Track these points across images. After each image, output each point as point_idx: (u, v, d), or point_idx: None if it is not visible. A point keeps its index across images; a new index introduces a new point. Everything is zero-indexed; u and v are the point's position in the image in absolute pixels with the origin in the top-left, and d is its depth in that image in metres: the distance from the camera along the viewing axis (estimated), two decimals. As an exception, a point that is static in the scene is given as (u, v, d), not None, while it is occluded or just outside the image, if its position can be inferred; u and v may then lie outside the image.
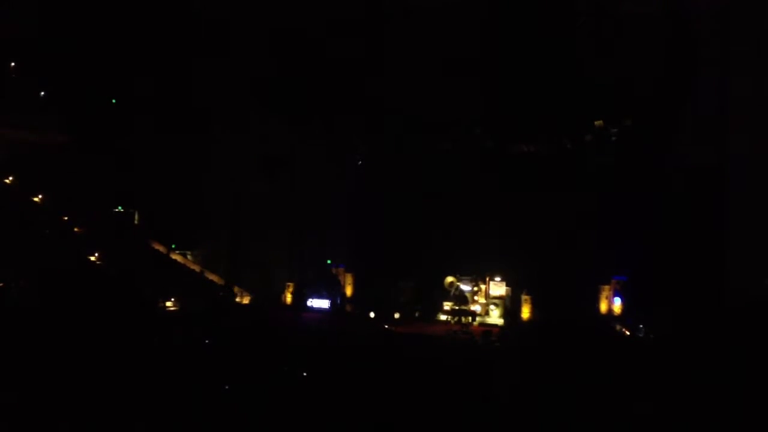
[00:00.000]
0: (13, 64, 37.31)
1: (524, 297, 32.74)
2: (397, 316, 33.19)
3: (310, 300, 35.58)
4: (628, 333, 28.11)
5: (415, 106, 34.17)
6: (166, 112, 36.73)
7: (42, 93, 37.47)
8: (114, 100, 37.90)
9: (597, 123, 33.74)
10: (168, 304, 32.10)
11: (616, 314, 31.27)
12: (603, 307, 31.89)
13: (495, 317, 33.39)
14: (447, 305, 33.59)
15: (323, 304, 35.33)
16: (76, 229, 35.14)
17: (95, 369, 21.05)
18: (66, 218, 35.36)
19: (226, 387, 20.86)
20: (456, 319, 31.81)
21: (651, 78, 31.76)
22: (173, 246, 37.10)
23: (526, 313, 32.55)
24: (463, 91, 32.58)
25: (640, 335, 28.21)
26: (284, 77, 35.52)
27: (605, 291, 31.92)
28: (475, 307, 33.51)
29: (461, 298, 33.37)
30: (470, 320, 32.49)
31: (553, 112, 32.37)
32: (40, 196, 35.94)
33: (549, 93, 31.75)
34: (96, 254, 33.42)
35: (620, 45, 31.91)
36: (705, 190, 30.94)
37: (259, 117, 36.08)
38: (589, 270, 31.62)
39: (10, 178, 36.06)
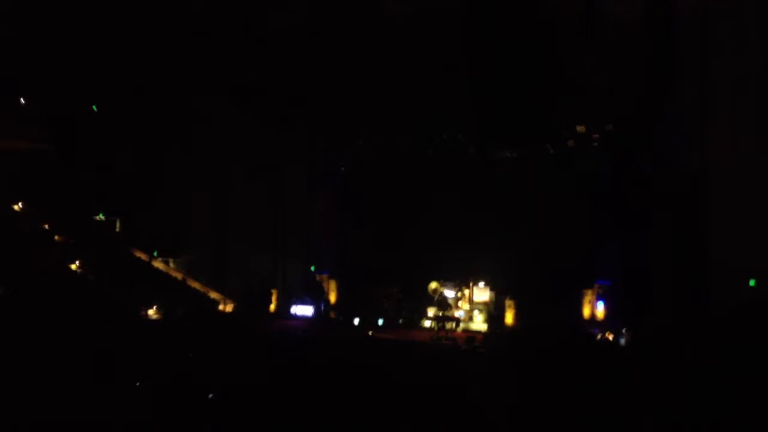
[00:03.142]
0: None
1: (508, 302, 32.73)
2: (380, 322, 33.07)
3: (293, 307, 35.44)
4: (611, 337, 28.11)
5: (397, 112, 34.17)
6: (147, 118, 36.52)
7: (21, 100, 37.15)
8: (95, 107, 37.62)
9: (579, 128, 33.84)
10: (150, 312, 31.86)
11: (599, 318, 31.32)
12: (586, 311, 31.96)
13: (479, 323, 33.33)
14: (431, 311, 33.48)
15: (307, 311, 35.20)
16: (56, 237, 34.83)
17: (74, 378, 20.85)
18: (46, 226, 35.05)
19: (210, 396, 20.71)
20: (440, 325, 31.69)
21: (633, 82, 31.88)
22: (155, 253, 36.84)
23: (509, 318, 32.51)
24: (445, 97, 32.63)
25: (623, 339, 28.18)
26: (266, 83, 35.41)
27: (588, 295, 32.00)
28: (459, 313, 33.43)
29: (445, 304, 33.26)
30: (454, 326, 32.38)
31: (535, 117, 32.43)
32: (20, 204, 35.61)
33: (530, 98, 31.79)
34: (77, 262, 33.12)
35: (602, 49, 32.01)
36: (688, 193, 31.11)
37: (241, 123, 35.91)
38: (573, 274, 31.66)
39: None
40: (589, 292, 32.28)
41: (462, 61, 32.01)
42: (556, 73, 31.49)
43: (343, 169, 37.93)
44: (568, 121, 33.42)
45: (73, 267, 33.16)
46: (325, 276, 36.61)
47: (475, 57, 31.91)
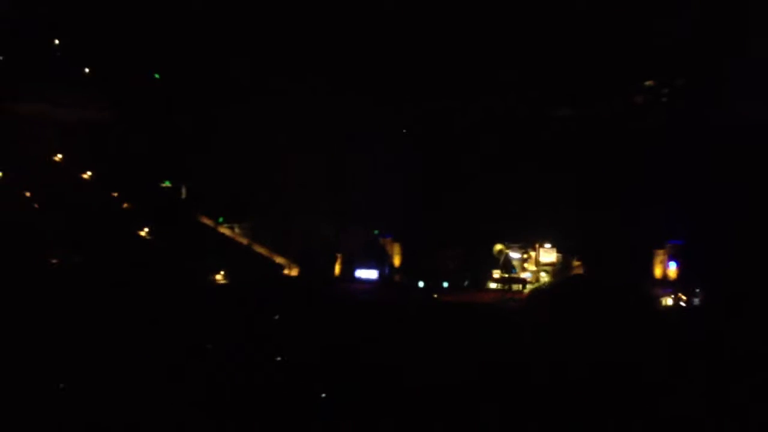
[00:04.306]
0: (58, 42, 37.57)
1: (575, 263, 32.23)
2: (445, 285, 32.93)
3: (357, 271, 35.49)
4: (684, 298, 27.50)
5: (463, 72, 33.73)
6: (211, 86, 36.79)
7: (87, 70, 37.69)
8: (158, 75, 37.98)
9: (647, 83, 32.90)
10: (217, 277, 32.33)
11: (671, 279, 30.56)
12: (657, 271, 31.19)
13: (546, 284, 32.93)
14: (496, 273, 33.22)
15: (371, 274, 35.23)
16: (125, 205, 35.47)
17: (149, 339, 21.32)
18: (115, 194, 35.70)
19: (279, 359, 20.98)
20: (506, 287, 31.46)
21: (704, 33, 30.76)
22: (221, 219, 37.21)
23: (577, 279, 32.00)
24: (513, 56, 32.03)
25: (696, 300, 27.56)
26: (330, 50, 35.33)
27: (660, 255, 31.21)
28: (525, 275, 33.10)
29: (510, 266, 32.99)
30: (520, 288, 32.09)
31: (603, 73, 31.62)
32: (89, 173, 36.31)
33: (598, 55, 30.97)
34: (145, 229, 33.70)
35: (670, 3, 30.96)
36: (761, 148, 30.03)
37: (306, 91, 35.90)
38: (643, 234, 30.89)
39: (60, 156, 36.48)
40: (661, 252, 31.52)
41: (530, 20, 31.37)
42: (624, 26, 30.62)
43: (405, 132, 37.63)
44: (636, 76, 32.57)
45: (142, 234, 33.74)
46: (388, 239, 36.53)
47: (543, 15, 31.21)
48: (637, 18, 31.42)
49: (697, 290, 27.55)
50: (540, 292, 29.61)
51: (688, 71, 32.45)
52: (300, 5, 34.59)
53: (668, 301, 29.59)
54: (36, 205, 33.00)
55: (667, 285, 30.33)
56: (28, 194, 33.44)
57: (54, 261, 29.21)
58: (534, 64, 32.10)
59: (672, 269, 31.13)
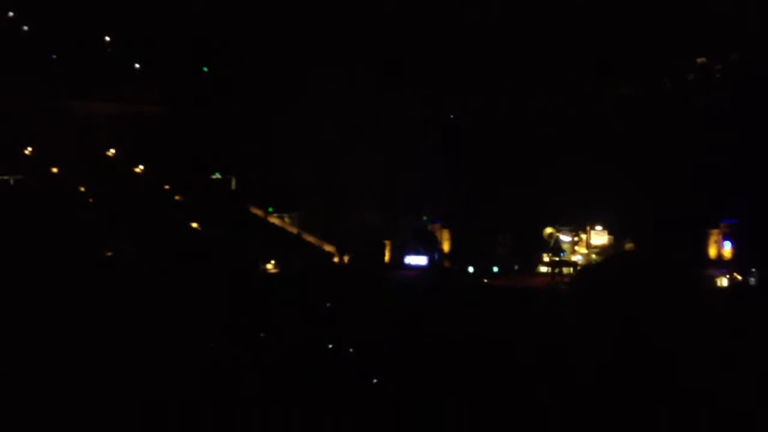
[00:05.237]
0: (108, 38, 38.30)
1: (627, 245, 31.70)
2: (495, 269, 32.76)
3: (407, 257, 35.54)
4: (740, 278, 26.89)
5: (507, 52, 33.37)
6: (259, 78, 37.16)
7: (137, 65, 38.36)
8: (206, 68, 38.52)
9: (699, 60, 32.17)
10: (268, 266, 32.65)
11: (726, 258, 29.92)
12: (712, 251, 30.54)
13: (597, 267, 32.43)
14: (546, 257, 32.89)
15: (420, 260, 35.24)
16: (176, 197, 36.05)
17: (203, 329, 21.60)
18: (167, 187, 36.32)
19: (331, 346, 21.07)
20: (557, 270, 31.15)
21: (757, 8, 29.92)
22: (270, 209, 37.61)
23: (630, 261, 31.44)
24: (558, 33, 31.60)
25: (752, 279, 26.95)
26: (376, 37, 35.37)
27: (714, 235, 30.54)
28: (576, 258, 32.71)
29: (560, 249, 32.66)
30: (571, 271, 31.74)
31: (654, 50, 30.99)
32: (141, 167, 37.00)
33: (646, 32, 30.34)
34: (197, 221, 34.22)
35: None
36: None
37: (352, 78, 36.00)
38: (696, 214, 30.28)
39: (113, 151, 37.23)
40: (715, 231, 30.88)
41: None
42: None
43: (452, 117, 37.51)
44: (687, 52, 31.87)
45: (194, 225, 34.27)
46: (437, 225, 36.50)
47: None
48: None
49: (753, 270, 26.96)
50: (587, 271, 29.21)
51: (742, 46, 31.58)
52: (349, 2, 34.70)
53: (723, 281, 29.03)
54: (90, 200, 33.79)
55: (721, 265, 29.72)
56: (82, 189, 34.25)
57: (109, 253, 29.88)
58: (579, 44, 31.60)
59: (727, 249, 30.52)
